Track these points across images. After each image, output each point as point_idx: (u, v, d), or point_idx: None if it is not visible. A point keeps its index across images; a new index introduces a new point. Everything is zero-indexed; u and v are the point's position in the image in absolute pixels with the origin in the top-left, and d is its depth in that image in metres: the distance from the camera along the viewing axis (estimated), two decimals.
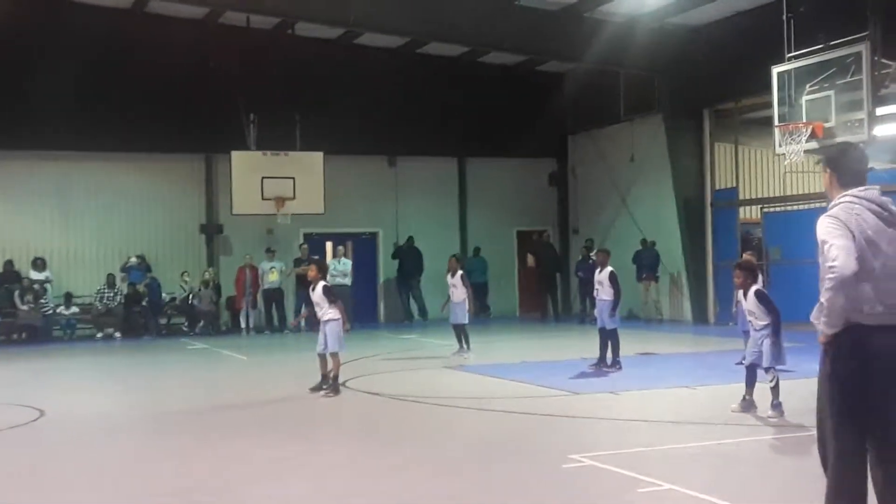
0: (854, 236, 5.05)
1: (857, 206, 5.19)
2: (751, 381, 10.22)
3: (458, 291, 16.61)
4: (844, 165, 5.43)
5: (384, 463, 8.46)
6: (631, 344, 15.90)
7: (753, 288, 10.28)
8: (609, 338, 14.40)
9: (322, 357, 12.30)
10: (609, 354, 14.42)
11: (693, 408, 10.97)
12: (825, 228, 5.16)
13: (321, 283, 12.38)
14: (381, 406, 11.51)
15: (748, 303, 10.29)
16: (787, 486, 7.35)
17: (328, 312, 12.22)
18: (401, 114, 25.00)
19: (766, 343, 10.01)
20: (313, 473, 8.06)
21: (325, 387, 12.21)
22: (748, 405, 10.14)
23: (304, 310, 13.22)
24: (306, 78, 23.68)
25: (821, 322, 5.17)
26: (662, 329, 21.89)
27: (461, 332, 16.55)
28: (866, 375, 5.03)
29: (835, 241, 5.04)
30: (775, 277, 20.68)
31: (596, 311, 14.99)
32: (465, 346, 16.46)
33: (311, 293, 12.67)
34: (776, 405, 9.85)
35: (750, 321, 10.31)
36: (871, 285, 5.05)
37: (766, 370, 9.99)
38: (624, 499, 6.93)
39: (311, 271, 12.79)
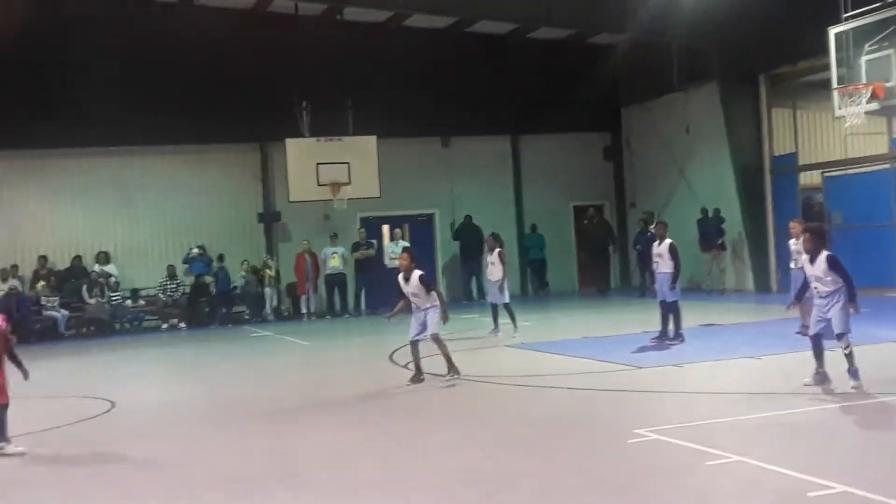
0: None
1: None
2: (819, 353, 9.81)
3: (496, 270, 16.59)
4: None
5: (450, 440, 8.49)
6: (693, 316, 15.76)
7: (825, 253, 9.74)
8: (670, 310, 14.28)
9: (415, 345, 11.63)
10: (671, 327, 14.31)
11: (758, 378, 10.85)
12: None
13: (416, 272, 11.60)
14: (447, 387, 11.52)
15: (816, 268, 9.74)
16: (855, 456, 7.25)
17: (428, 300, 11.55)
18: (452, 94, 24.93)
19: (836, 309, 9.56)
20: (379, 456, 8.12)
21: (447, 376, 11.49)
22: (822, 377, 9.76)
23: (400, 303, 12.06)
24: (356, 62, 23.69)
25: None
26: (724, 299, 21.65)
27: (497, 311, 16.61)
28: None
29: None
30: (838, 243, 20.31)
31: (656, 285, 14.87)
32: (498, 326, 16.54)
33: (402, 283, 11.76)
34: (853, 371, 9.49)
35: (815, 287, 9.78)
36: None
37: (839, 337, 9.56)
38: (691, 472, 6.88)
39: (404, 260, 11.83)
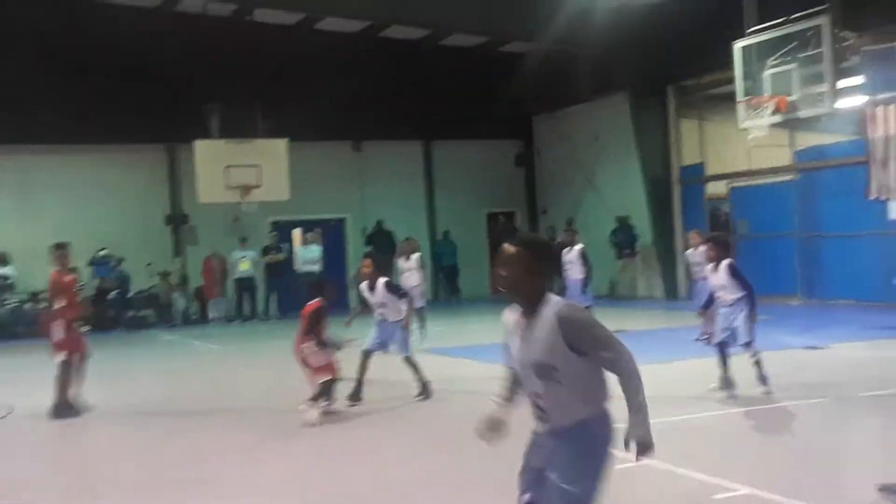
0: None
1: None
2: (724, 359, 9.94)
3: (414, 276, 16.42)
4: None
5: (361, 445, 8.42)
6: (603, 322, 15.82)
7: (726, 262, 9.90)
8: None
9: (368, 356, 10.57)
10: None
11: (665, 383, 10.98)
12: None
13: (381, 280, 10.61)
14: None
15: (719, 277, 9.91)
16: (759, 459, 7.40)
17: (398, 312, 10.61)
18: (365, 98, 24.78)
19: (741, 318, 9.70)
20: (284, 461, 8.00)
21: (419, 395, 10.55)
22: (727, 383, 9.88)
23: (358, 309, 11.17)
24: (267, 65, 23.39)
25: None
26: (634, 306, 21.98)
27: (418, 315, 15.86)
28: None
29: None
30: (743, 252, 20.81)
31: (567, 291, 14.97)
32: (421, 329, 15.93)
33: (367, 293, 10.70)
34: (763, 378, 9.64)
35: (720, 296, 9.95)
36: None
37: (746, 346, 9.71)
38: None
39: (367, 267, 10.75)
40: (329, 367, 9.64)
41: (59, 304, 10.73)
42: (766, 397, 9.47)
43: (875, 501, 5.59)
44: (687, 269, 17.59)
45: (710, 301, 10.76)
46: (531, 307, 3.97)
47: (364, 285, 10.74)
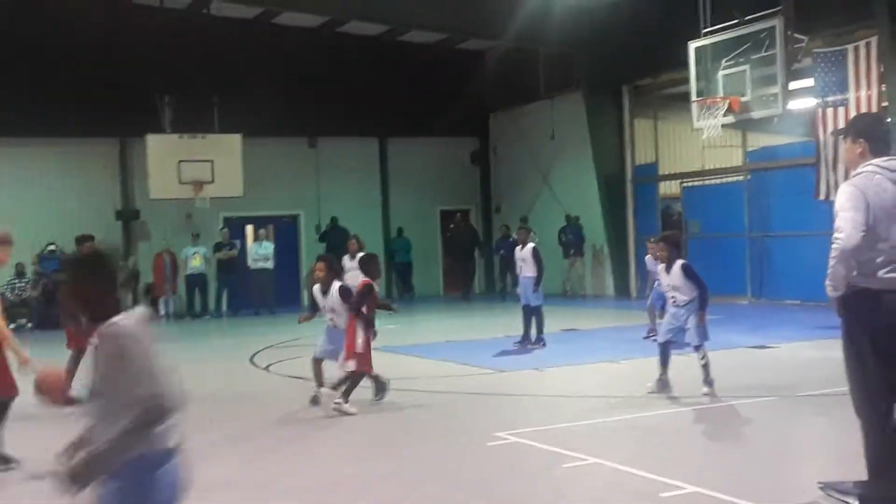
0: (869, 205, 5.18)
1: (878, 175, 5.29)
2: (665, 360, 9.88)
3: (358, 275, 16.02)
4: (878, 135, 5.50)
5: (306, 446, 8.35)
6: (555, 320, 15.96)
7: (679, 262, 9.81)
8: (533, 314, 14.43)
9: (318, 362, 10.05)
10: (533, 331, 14.45)
11: (616, 382, 11.05)
12: (843, 197, 5.29)
13: (336, 284, 9.96)
14: (303, 390, 11.30)
15: (672, 277, 9.80)
16: (705, 458, 7.45)
17: (346, 319, 9.86)
18: (321, 94, 24.66)
19: (693, 320, 9.61)
20: (239, 458, 7.91)
21: (336, 402, 9.52)
22: (663, 384, 9.84)
23: (307, 313, 10.59)
24: (223, 59, 23.16)
25: (827, 287, 5.37)
26: (586, 305, 22.07)
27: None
28: (884, 336, 5.19)
29: (846, 213, 5.19)
30: (694, 251, 20.98)
31: (519, 289, 14.98)
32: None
33: (319, 296, 10.08)
34: (710, 381, 9.55)
35: (673, 297, 9.84)
36: (886, 254, 5.20)
37: (696, 348, 9.64)
38: (549, 474, 6.93)
39: (320, 271, 10.06)
40: (364, 359, 9.64)
41: None
42: (712, 397, 9.51)
43: (817, 499, 5.63)
44: (637, 268, 17.81)
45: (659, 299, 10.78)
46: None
47: (316, 288, 10.18)
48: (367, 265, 10.48)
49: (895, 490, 5.28)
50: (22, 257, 22.10)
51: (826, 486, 5.65)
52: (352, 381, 9.63)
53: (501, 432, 8.15)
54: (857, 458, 5.47)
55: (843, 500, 5.47)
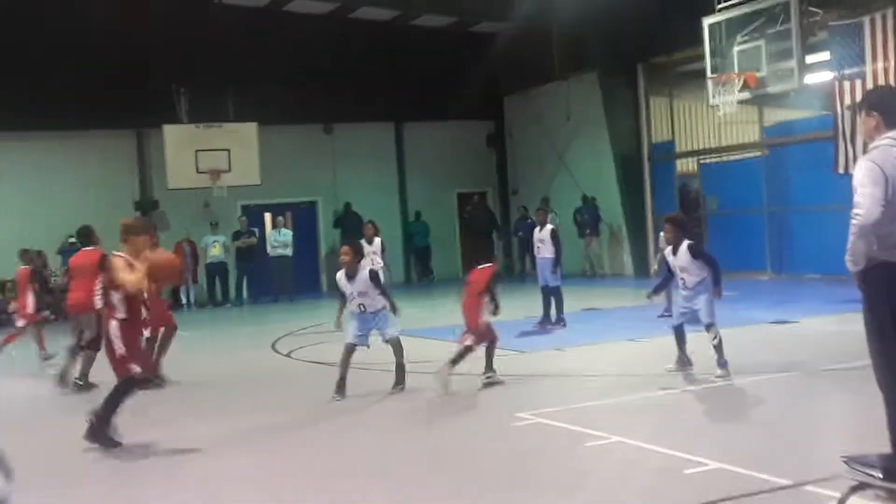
0: (887, 179, 5.18)
1: (895, 148, 5.27)
2: (681, 340, 9.86)
3: (378, 258, 16.02)
4: (892, 108, 5.46)
5: (330, 430, 8.42)
6: (574, 300, 15.98)
7: (686, 243, 9.67)
8: (552, 295, 14.45)
9: (351, 350, 9.90)
10: (553, 312, 14.48)
11: (637, 361, 11.07)
12: (861, 173, 5.28)
13: (365, 269, 9.99)
14: (328, 374, 11.37)
15: (679, 258, 9.65)
16: (726, 434, 7.47)
17: (378, 300, 9.96)
18: (335, 81, 24.67)
19: (703, 299, 9.52)
20: (266, 443, 7.98)
21: (394, 388, 9.94)
22: (683, 363, 9.84)
23: (337, 312, 10.23)
24: (237, 48, 23.17)
25: (847, 262, 5.36)
26: (605, 284, 22.07)
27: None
28: None
29: (864, 189, 5.19)
30: (713, 228, 20.97)
31: (538, 270, 15.01)
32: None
33: (345, 282, 9.96)
34: (722, 363, 9.43)
35: (682, 279, 9.68)
36: None
37: (708, 327, 9.54)
38: (572, 453, 6.97)
39: (346, 255, 9.97)
40: (487, 334, 10.13)
41: None
42: (725, 379, 9.40)
43: (840, 473, 5.65)
44: (655, 247, 17.71)
45: (664, 285, 10.69)
46: None
47: (340, 275, 10.05)
48: (488, 253, 11.47)
49: None
50: (44, 250, 22.28)
51: (850, 460, 5.65)
52: (464, 351, 9.92)
53: (524, 412, 8.20)
54: (881, 431, 5.48)
55: (867, 474, 5.48)
